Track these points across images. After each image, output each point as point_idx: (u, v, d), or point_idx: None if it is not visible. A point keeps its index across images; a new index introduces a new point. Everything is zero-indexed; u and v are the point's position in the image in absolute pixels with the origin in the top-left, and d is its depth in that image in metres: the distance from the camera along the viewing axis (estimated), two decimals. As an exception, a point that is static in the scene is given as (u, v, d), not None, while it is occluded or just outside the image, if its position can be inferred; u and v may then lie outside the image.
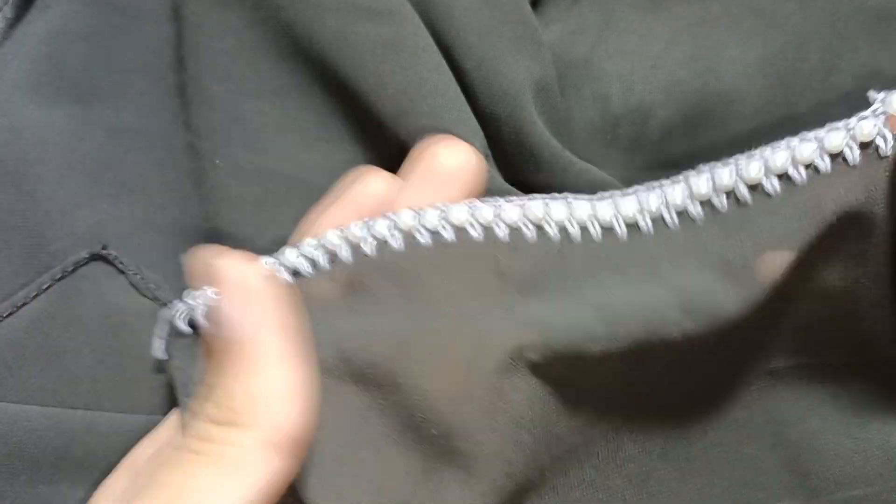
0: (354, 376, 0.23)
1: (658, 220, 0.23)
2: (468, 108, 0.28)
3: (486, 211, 0.23)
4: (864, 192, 0.22)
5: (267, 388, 0.21)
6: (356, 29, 0.28)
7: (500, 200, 0.24)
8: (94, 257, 0.27)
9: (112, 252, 0.27)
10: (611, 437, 0.25)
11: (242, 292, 0.22)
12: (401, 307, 0.23)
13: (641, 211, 0.23)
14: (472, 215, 0.23)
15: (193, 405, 0.23)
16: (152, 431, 0.25)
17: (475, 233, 0.23)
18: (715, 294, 0.23)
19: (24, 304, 0.27)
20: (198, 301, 0.23)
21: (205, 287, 0.23)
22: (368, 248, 0.23)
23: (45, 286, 0.27)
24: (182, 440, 0.22)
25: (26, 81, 0.30)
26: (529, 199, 0.24)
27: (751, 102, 0.28)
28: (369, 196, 0.26)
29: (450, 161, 0.25)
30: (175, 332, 0.24)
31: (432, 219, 0.23)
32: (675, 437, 0.25)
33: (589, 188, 0.25)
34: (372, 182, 0.26)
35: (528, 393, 0.23)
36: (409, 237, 0.23)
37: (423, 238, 0.23)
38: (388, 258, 0.23)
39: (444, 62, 0.28)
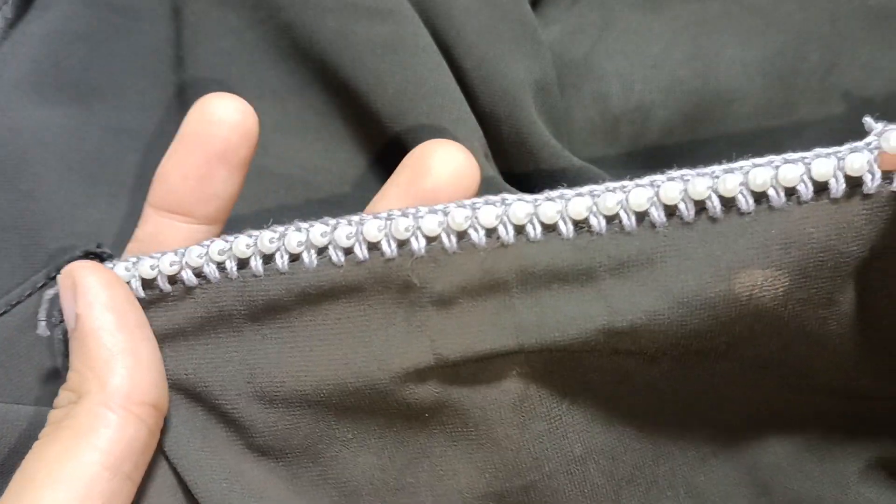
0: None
1: (613, 222, 0.21)
2: (468, 108, 0.28)
3: (402, 223, 0.22)
4: (837, 229, 0.20)
5: (101, 356, 0.22)
6: (356, 29, 0.28)
7: (424, 210, 0.22)
8: (89, 255, 0.27)
9: (106, 250, 0.27)
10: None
11: (70, 281, 0.23)
12: (305, 330, 0.23)
13: (595, 211, 0.21)
14: (388, 230, 0.22)
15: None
16: None
17: (389, 249, 0.22)
18: (656, 314, 0.21)
19: (18, 303, 0.26)
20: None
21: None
22: (280, 262, 0.22)
23: (40, 284, 0.27)
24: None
25: (26, 81, 0.30)
26: (457, 206, 0.22)
27: (750, 102, 0.28)
28: (216, 130, 0.23)
29: (443, 168, 0.23)
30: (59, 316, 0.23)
31: (342, 235, 0.22)
32: (635, 459, 0.24)
33: None
34: (217, 111, 0.23)
35: (434, 404, 0.23)
36: (322, 254, 0.22)
37: (336, 256, 0.22)
38: (300, 277, 0.22)
39: (443, 62, 0.28)
